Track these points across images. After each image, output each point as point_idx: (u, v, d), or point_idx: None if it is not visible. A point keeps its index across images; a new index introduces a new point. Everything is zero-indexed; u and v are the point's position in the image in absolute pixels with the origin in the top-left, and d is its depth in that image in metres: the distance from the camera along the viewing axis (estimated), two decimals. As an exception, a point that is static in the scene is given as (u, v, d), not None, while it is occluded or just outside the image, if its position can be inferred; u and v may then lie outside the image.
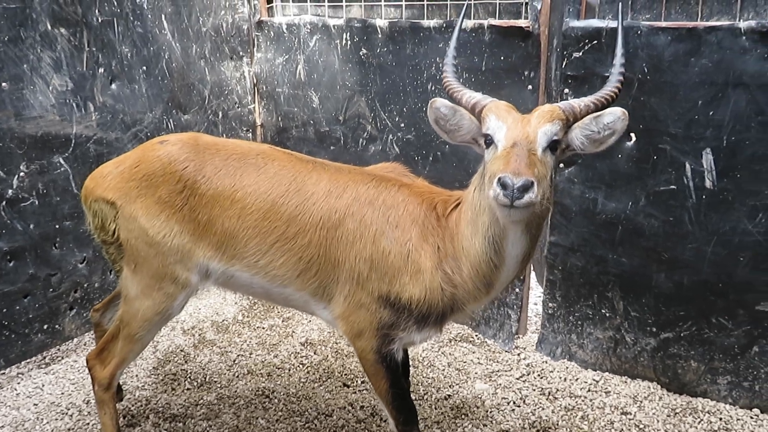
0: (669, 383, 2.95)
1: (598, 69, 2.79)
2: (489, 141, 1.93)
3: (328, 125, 3.89)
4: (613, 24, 2.71)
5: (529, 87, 3.03)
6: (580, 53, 2.82)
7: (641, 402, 2.87)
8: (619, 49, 2.19)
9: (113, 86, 3.38)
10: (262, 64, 4.15)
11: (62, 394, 2.97)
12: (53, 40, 3.06)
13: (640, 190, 2.81)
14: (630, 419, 2.75)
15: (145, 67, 3.52)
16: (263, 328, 3.56)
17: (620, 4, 2.55)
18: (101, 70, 3.29)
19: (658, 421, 2.74)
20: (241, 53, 4.12)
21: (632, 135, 2.78)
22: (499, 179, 1.73)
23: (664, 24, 2.63)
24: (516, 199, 1.71)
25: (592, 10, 2.86)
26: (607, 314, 3.05)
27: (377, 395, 2.29)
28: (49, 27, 3.03)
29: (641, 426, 2.71)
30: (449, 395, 2.94)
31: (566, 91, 2.89)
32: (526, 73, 3.03)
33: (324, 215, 2.13)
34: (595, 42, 2.77)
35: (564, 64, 2.88)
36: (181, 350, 3.32)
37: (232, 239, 2.24)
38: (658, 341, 2.93)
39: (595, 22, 2.77)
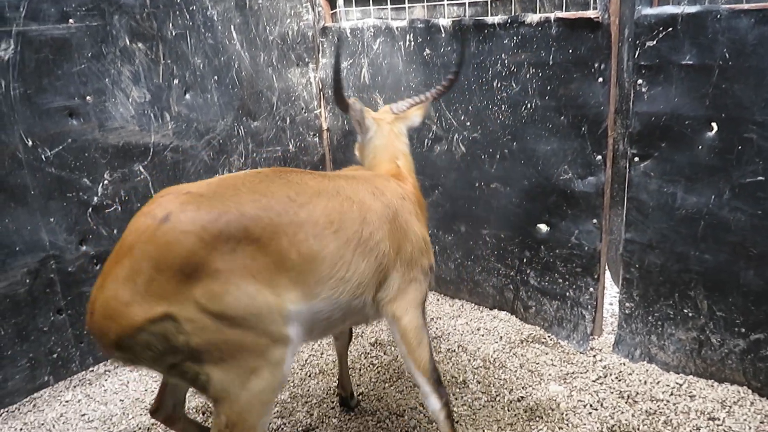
0: (761, 388, 2.76)
1: (674, 57, 2.67)
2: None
3: (394, 127, 3.90)
4: (689, 9, 2.59)
5: (600, 79, 2.94)
6: (654, 42, 2.71)
7: (730, 407, 2.71)
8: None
9: (187, 96, 3.52)
10: (328, 69, 4.22)
11: (146, 391, 3.11)
12: (132, 54, 3.22)
13: (724, 183, 2.66)
14: (718, 425, 2.60)
15: (216, 77, 3.65)
16: (333, 329, 3.60)
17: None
18: (176, 81, 3.44)
19: (750, 428, 2.57)
20: (306, 59, 4.21)
21: (713, 125, 2.64)
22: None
23: (746, 6, 2.49)
24: None
25: (666, -4, 2.75)
26: (690, 314, 2.90)
27: (416, 369, 2.35)
28: (128, 42, 3.19)
29: (730, 432, 2.56)
30: (522, 397, 2.88)
31: (640, 81, 2.78)
32: (596, 65, 2.93)
33: (380, 211, 2.27)
34: (670, 29, 2.65)
35: (637, 54, 2.77)
36: (255, 350, 3.40)
37: (312, 262, 2.06)
38: (747, 343, 2.75)
39: (669, 9, 2.65)
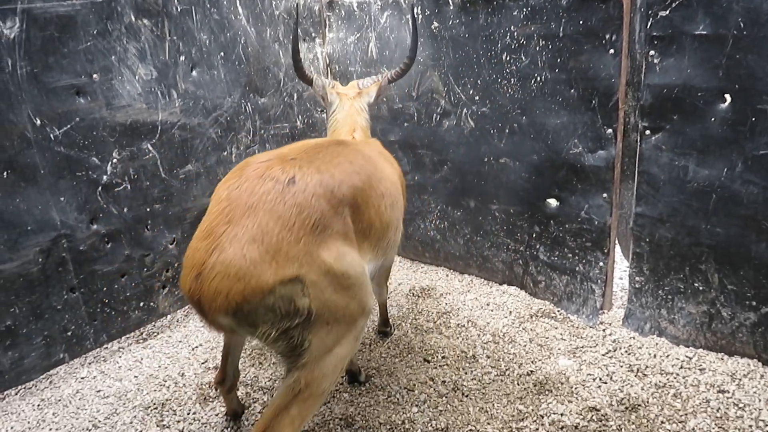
0: (771, 360, 2.77)
1: (687, 27, 2.62)
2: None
3: (401, 102, 3.87)
4: (704, -23, 2.53)
5: (611, 51, 2.89)
6: (667, 11, 2.65)
7: (740, 380, 2.71)
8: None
9: (194, 73, 3.49)
10: (334, 44, 4.18)
11: (159, 367, 3.16)
12: (137, 31, 3.19)
13: (737, 155, 2.62)
14: (728, 398, 2.61)
15: (222, 53, 3.62)
16: (343, 304, 3.63)
17: None
18: (182, 57, 3.41)
19: (760, 399, 2.58)
20: (313, 34, 4.16)
21: (726, 96, 2.60)
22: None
23: (762, -27, 2.43)
24: None
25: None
26: (701, 288, 2.89)
27: (382, 303, 3.17)
28: (133, 19, 3.16)
29: (740, 405, 2.56)
30: (532, 371, 2.89)
31: (651, 53, 2.73)
32: (607, 36, 2.88)
33: (393, 175, 2.53)
34: (684, -2, 2.59)
35: (649, 24, 2.71)
36: (266, 326, 3.44)
37: (387, 229, 2.32)
38: (758, 316, 2.75)
39: (683, -23, 2.59)
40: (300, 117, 4.20)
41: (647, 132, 2.85)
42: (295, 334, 1.81)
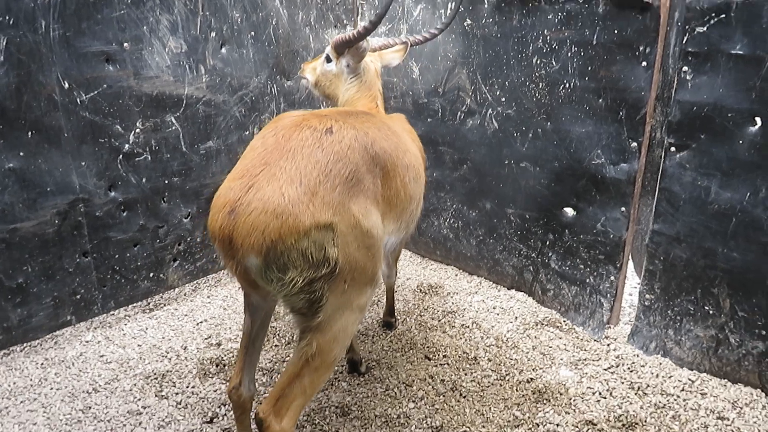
0: (776, 391, 2.72)
1: (724, 46, 2.56)
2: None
3: (427, 97, 3.85)
4: (746, -4, 2.47)
5: (644, 63, 2.84)
6: (705, 28, 2.60)
7: (741, 408, 2.67)
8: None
9: (223, 50, 3.51)
10: (365, 33, 4.16)
11: (163, 338, 3.19)
12: (171, 3, 3.21)
13: (762, 180, 2.57)
14: (727, 425, 2.57)
15: (253, 33, 3.63)
16: (350, 294, 3.64)
17: None
18: (213, 34, 3.43)
19: (759, 430, 2.54)
20: (345, 21, 4.15)
21: (757, 119, 2.55)
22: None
23: (807, -3, 2.37)
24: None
25: (722, -19, 2.62)
26: (711, 311, 2.85)
27: (390, 288, 3.21)
28: (168, -9, 3.18)
29: (740, 433, 2.53)
30: (532, 378, 2.88)
31: (685, 69, 2.68)
32: (641, 48, 2.84)
33: (416, 152, 2.48)
34: (723, 16, 2.54)
35: (685, 39, 2.67)
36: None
37: (411, 202, 2.27)
38: (766, 345, 2.70)
39: (725, -6, 2.54)
40: (324, 103, 4.20)
41: (672, 149, 2.81)
42: (318, 287, 1.77)
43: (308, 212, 1.68)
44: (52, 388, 2.76)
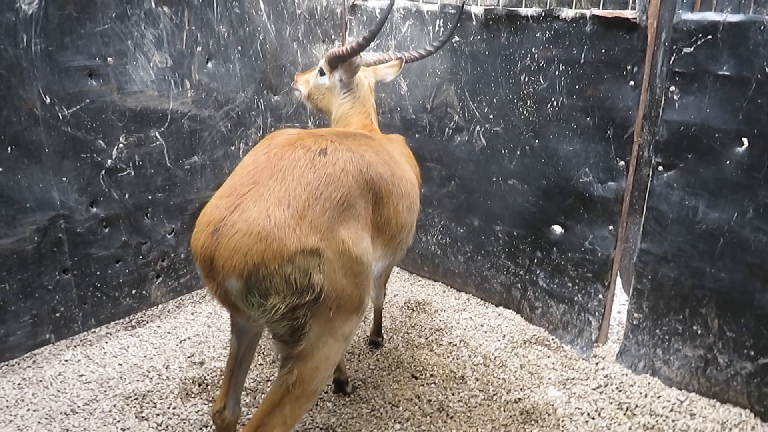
0: (765, 413, 2.70)
1: (711, 67, 2.57)
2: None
3: (415, 113, 3.84)
4: (732, 18, 2.48)
5: (631, 83, 2.84)
6: (692, 48, 2.61)
7: (730, 429, 2.66)
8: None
9: (209, 65, 3.47)
10: (353, 48, 4.14)
11: (144, 357, 3.12)
12: (156, 17, 3.17)
13: (749, 201, 2.57)
14: (716, 446, 2.56)
15: (240, 48, 3.60)
16: (336, 311, 3.59)
17: None
18: (199, 48, 3.39)
19: (748, 452, 2.53)
20: (333, 37, 4.13)
21: (744, 140, 2.55)
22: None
23: (792, 19, 2.38)
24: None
25: (708, 2, 2.64)
26: (699, 331, 2.84)
27: (378, 309, 3.12)
28: (153, 5, 3.14)
29: (729, 455, 2.51)
30: (519, 398, 2.84)
31: (672, 88, 2.69)
32: (628, 68, 2.84)
33: (413, 178, 2.44)
34: (710, 37, 2.55)
35: (672, 59, 2.67)
36: (257, 326, 3.40)
37: (402, 230, 2.21)
38: (755, 366, 2.69)
39: (711, 15, 2.55)
40: (312, 118, 4.17)
41: (660, 168, 2.81)
42: (301, 314, 1.70)
43: (294, 236, 1.63)
44: (29, 410, 2.69)
